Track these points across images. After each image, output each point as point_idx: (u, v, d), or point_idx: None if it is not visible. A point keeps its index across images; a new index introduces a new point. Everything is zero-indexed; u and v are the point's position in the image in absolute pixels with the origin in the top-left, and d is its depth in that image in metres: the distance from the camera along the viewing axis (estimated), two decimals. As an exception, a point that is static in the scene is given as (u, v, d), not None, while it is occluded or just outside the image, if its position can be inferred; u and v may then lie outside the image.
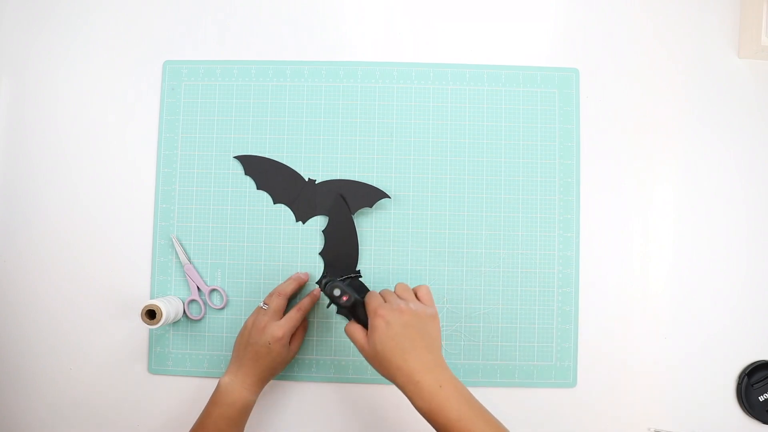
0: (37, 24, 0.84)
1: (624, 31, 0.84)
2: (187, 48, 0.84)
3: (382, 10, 0.84)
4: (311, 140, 0.82)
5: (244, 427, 0.73)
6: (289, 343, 0.76)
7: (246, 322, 0.76)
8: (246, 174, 0.81)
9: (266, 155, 0.82)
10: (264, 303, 0.76)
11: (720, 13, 0.84)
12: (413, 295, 0.70)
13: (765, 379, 0.79)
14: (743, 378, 0.79)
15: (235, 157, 0.81)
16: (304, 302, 0.77)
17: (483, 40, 0.84)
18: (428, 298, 0.70)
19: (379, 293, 0.70)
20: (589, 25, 0.84)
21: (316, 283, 0.80)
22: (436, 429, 0.63)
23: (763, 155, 0.82)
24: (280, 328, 0.74)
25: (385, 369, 0.65)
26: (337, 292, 0.70)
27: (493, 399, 0.79)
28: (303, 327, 0.79)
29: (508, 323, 0.80)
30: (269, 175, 0.81)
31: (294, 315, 0.75)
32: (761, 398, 0.79)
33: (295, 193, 0.81)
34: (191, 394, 0.80)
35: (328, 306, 0.74)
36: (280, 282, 0.80)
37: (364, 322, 0.69)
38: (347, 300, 0.70)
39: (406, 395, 0.64)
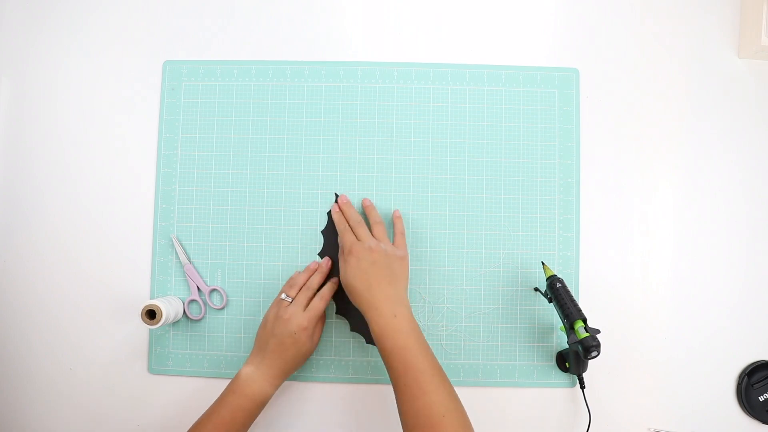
0: (37, 24, 0.84)
1: (624, 31, 0.84)
2: (187, 48, 0.84)
3: (382, 11, 0.84)
4: (311, 140, 0.82)
5: (254, 420, 0.73)
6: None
7: (267, 315, 0.76)
8: (328, 213, 0.81)
9: (266, 155, 0.82)
10: (285, 294, 0.76)
11: (720, 13, 0.84)
12: (386, 236, 0.78)
13: (765, 379, 0.79)
14: (743, 378, 0.79)
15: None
16: (325, 290, 0.78)
17: (483, 40, 0.84)
18: (401, 242, 0.78)
19: (352, 229, 0.77)
20: (589, 25, 0.84)
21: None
22: (382, 354, 0.70)
23: (763, 155, 0.82)
24: (306, 317, 0.74)
25: (353, 297, 0.74)
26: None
27: (493, 399, 0.80)
28: (321, 319, 0.78)
29: (508, 323, 0.80)
30: (338, 239, 0.80)
31: (317, 304, 0.76)
32: (761, 398, 0.79)
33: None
34: (191, 394, 0.80)
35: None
36: (281, 282, 0.80)
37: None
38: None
39: (368, 320, 0.72)
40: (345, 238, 0.76)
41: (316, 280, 0.78)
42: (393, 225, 0.80)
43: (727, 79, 0.83)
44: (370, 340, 0.79)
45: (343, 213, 0.79)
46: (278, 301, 0.76)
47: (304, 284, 0.77)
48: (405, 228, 0.80)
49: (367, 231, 0.77)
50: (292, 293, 0.76)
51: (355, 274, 0.73)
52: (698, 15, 0.84)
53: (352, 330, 0.80)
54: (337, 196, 0.81)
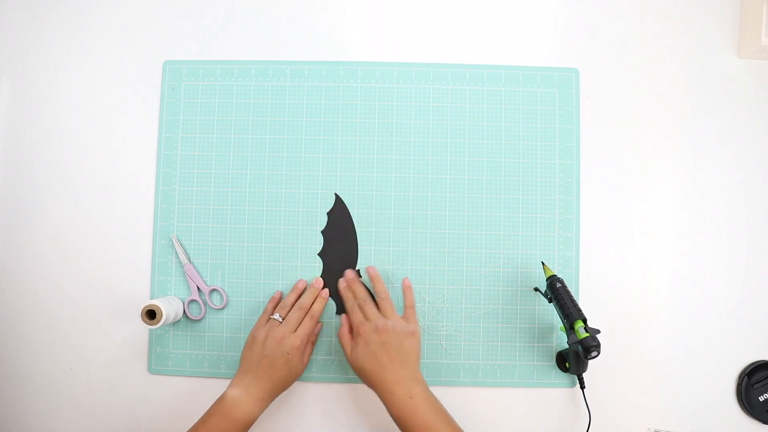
0: (37, 24, 0.84)
1: (624, 31, 0.84)
2: (187, 48, 0.84)
3: (382, 11, 0.84)
4: (311, 140, 0.82)
5: None
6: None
7: (255, 335, 0.75)
8: (328, 213, 0.81)
9: (266, 155, 0.82)
10: (278, 315, 0.76)
11: (720, 13, 0.84)
12: (394, 312, 0.76)
13: (765, 379, 0.79)
14: (743, 378, 0.79)
15: (336, 194, 0.81)
16: (315, 308, 0.77)
17: (483, 40, 0.84)
18: (411, 316, 0.76)
19: (359, 306, 0.76)
20: (589, 25, 0.84)
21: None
22: None
23: (763, 155, 0.82)
24: (298, 337, 0.74)
25: (365, 379, 0.73)
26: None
27: (493, 399, 0.80)
28: (312, 340, 0.78)
29: (508, 323, 0.80)
30: (338, 239, 0.81)
31: (308, 323, 0.76)
32: (761, 398, 0.79)
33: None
34: (191, 394, 0.80)
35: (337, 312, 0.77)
36: (281, 282, 0.80)
37: None
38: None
39: (383, 402, 0.71)
40: (353, 317, 0.75)
41: (307, 298, 0.78)
42: (403, 296, 0.78)
43: (727, 79, 0.83)
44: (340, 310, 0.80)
45: (350, 289, 0.78)
46: (267, 321, 0.76)
47: (293, 304, 0.77)
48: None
49: (374, 309, 0.76)
50: (283, 313, 0.76)
51: (365, 357, 0.72)
52: (698, 15, 0.84)
53: None
54: (337, 196, 0.81)
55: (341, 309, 0.80)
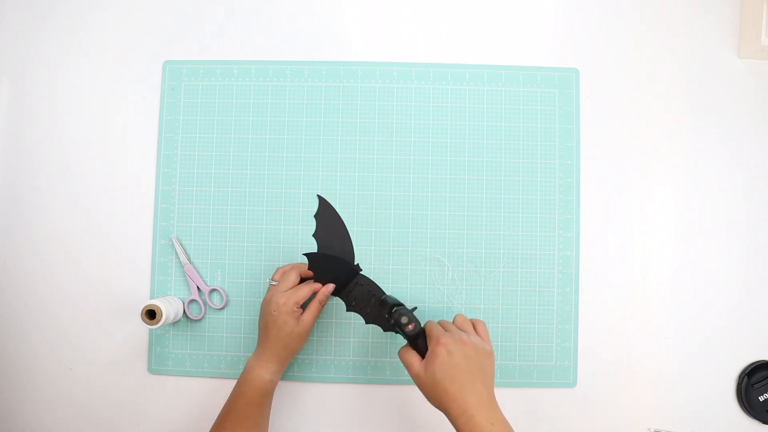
0: (37, 24, 0.84)
1: (624, 31, 0.84)
2: (187, 48, 0.84)
3: (382, 11, 0.84)
4: (311, 140, 0.82)
5: (269, 409, 0.73)
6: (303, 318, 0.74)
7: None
8: (315, 216, 0.79)
9: (266, 155, 0.82)
10: (273, 279, 0.76)
11: (720, 13, 0.84)
12: (472, 329, 0.70)
13: (765, 379, 0.79)
14: (743, 378, 0.79)
15: (318, 195, 0.79)
16: (305, 268, 0.77)
17: (483, 40, 0.84)
18: (485, 335, 0.70)
19: (439, 323, 0.70)
20: (589, 25, 0.84)
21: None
22: None
23: (763, 155, 0.82)
24: (284, 295, 0.73)
25: (439, 398, 0.64)
26: (404, 320, 0.68)
27: (493, 399, 0.80)
28: (319, 301, 0.76)
29: (508, 323, 0.80)
30: (330, 240, 0.79)
31: (298, 283, 0.75)
32: (761, 398, 0.79)
33: (344, 281, 0.77)
34: (191, 394, 0.80)
35: (393, 328, 0.70)
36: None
37: (419, 350, 0.68)
38: (413, 329, 0.68)
39: (457, 426, 0.63)
40: (432, 329, 0.68)
41: (301, 268, 0.77)
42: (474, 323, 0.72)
43: (727, 79, 0.83)
44: (369, 320, 0.77)
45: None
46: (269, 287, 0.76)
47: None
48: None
49: (451, 323, 0.70)
50: (277, 276, 0.76)
51: (445, 369, 0.64)
52: (698, 15, 0.84)
53: (367, 323, 0.78)
54: (320, 198, 0.80)
55: (351, 307, 0.79)
